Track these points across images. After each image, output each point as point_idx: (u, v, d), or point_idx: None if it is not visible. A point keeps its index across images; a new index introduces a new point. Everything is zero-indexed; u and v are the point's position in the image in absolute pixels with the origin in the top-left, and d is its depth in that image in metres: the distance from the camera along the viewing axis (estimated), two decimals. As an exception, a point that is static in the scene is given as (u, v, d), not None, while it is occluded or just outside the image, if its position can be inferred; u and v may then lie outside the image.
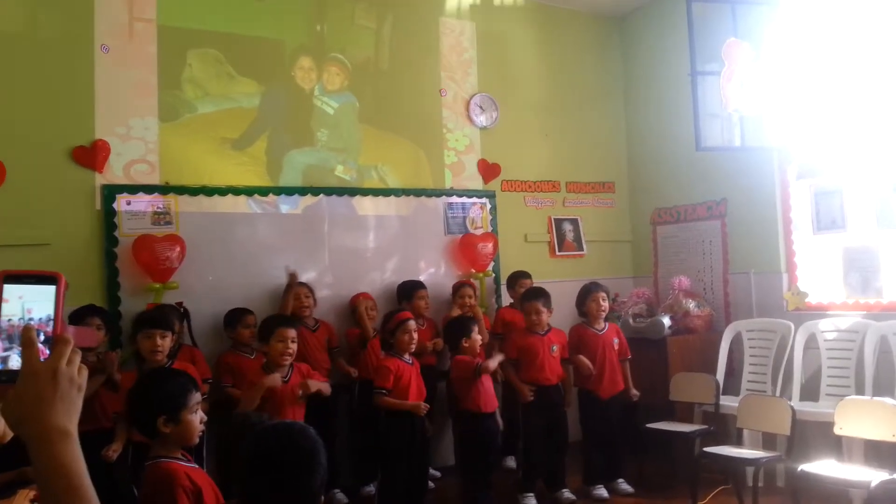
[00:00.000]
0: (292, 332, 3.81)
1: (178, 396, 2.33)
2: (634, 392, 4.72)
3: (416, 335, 4.14)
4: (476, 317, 4.77)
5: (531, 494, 4.40)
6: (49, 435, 0.94)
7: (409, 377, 4.05)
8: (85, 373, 0.99)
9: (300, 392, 3.74)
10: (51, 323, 1.01)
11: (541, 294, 4.55)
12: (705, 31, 4.80)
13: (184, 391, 2.36)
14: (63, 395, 0.96)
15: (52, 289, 1.02)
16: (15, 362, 0.98)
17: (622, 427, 4.66)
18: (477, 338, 4.29)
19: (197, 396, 2.42)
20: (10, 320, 1.00)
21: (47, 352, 0.98)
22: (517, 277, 5.24)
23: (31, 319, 1.00)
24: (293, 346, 3.78)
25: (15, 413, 0.96)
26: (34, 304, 1.01)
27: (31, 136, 4.22)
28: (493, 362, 4.28)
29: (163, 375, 2.64)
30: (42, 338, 0.99)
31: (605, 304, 4.72)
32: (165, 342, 3.58)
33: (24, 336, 0.97)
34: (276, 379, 3.69)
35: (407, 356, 4.11)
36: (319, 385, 3.84)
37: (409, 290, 4.96)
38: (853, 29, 4.51)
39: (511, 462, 5.09)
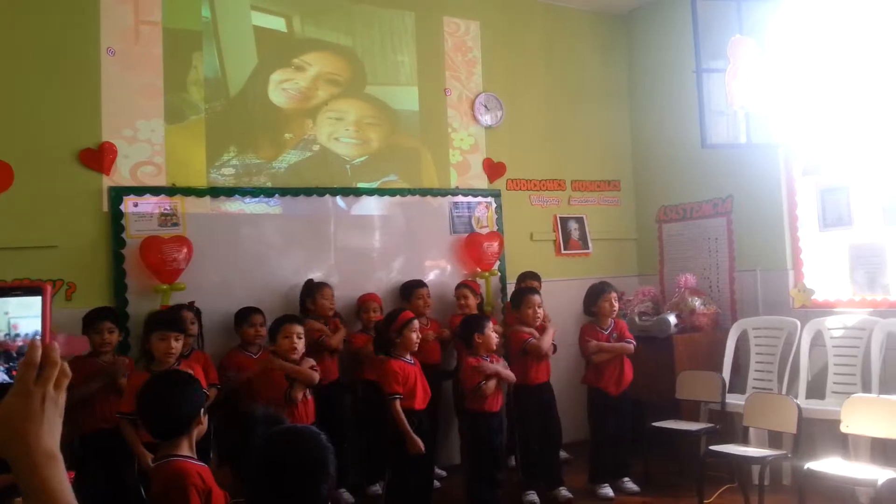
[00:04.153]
0: (298, 328, 3.85)
1: (204, 395, 2.60)
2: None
3: (420, 334, 4.13)
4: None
5: (533, 492, 4.42)
6: (36, 458, 0.93)
7: (415, 378, 4.03)
8: (64, 396, 0.99)
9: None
10: (38, 338, 1.00)
11: (535, 290, 4.61)
12: (710, 28, 4.79)
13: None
14: (48, 417, 0.96)
15: (38, 300, 1.02)
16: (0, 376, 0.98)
17: (632, 424, 4.67)
18: (490, 335, 4.24)
19: None
20: None
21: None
22: (526, 277, 5.22)
23: (17, 335, 1.00)
24: (300, 342, 3.81)
25: (2, 433, 0.95)
26: (20, 319, 1.01)
27: (39, 138, 4.25)
28: (492, 383, 4.17)
29: (191, 377, 2.75)
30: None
31: (617, 305, 4.74)
32: (179, 345, 3.60)
33: (28, 355, 0.96)
34: (273, 361, 3.76)
35: (408, 356, 4.05)
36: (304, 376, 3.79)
37: (408, 290, 4.97)
38: (858, 25, 4.50)
39: (512, 460, 5.10)
